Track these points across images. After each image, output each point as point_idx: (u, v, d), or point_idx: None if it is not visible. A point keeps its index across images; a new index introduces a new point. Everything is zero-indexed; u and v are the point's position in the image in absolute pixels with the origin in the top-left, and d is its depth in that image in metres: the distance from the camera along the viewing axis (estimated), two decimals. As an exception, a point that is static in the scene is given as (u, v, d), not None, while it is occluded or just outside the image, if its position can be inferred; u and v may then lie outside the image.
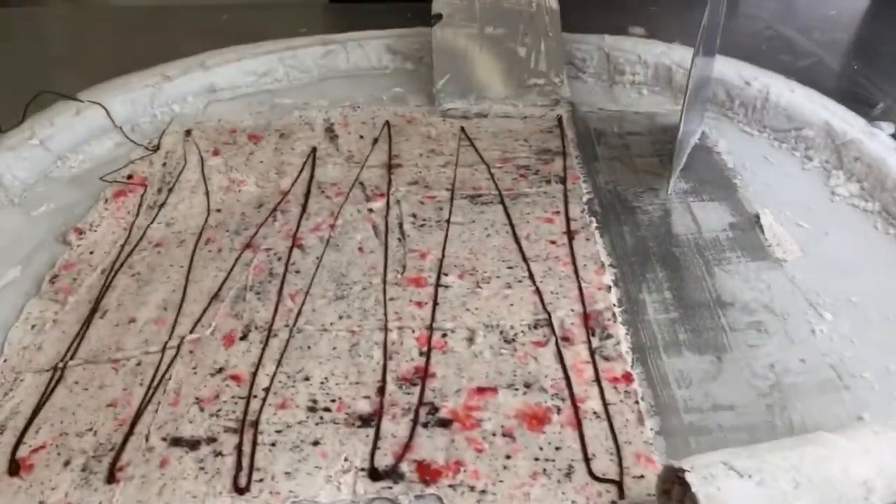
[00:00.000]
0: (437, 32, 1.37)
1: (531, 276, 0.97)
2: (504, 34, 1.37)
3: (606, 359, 0.85)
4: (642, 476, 0.73)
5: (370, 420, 0.79)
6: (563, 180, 1.14)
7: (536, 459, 0.75)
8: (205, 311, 0.94)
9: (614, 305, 0.92)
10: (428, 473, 0.74)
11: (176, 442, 0.78)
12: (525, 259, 0.99)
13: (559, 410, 0.79)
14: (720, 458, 0.64)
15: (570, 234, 1.03)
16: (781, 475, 0.63)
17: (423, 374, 0.84)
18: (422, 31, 1.47)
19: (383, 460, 0.75)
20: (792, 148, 1.20)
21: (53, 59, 1.66)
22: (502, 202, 1.10)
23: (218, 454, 0.77)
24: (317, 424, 0.79)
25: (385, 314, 0.92)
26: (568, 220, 1.06)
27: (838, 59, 1.53)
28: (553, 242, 1.02)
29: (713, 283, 0.96)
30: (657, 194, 1.12)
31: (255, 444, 0.77)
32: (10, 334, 0.92)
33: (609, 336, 0.88)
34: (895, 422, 0.72)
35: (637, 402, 0.80)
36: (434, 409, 0.80)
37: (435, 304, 0.93)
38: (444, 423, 0.79)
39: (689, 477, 0.62)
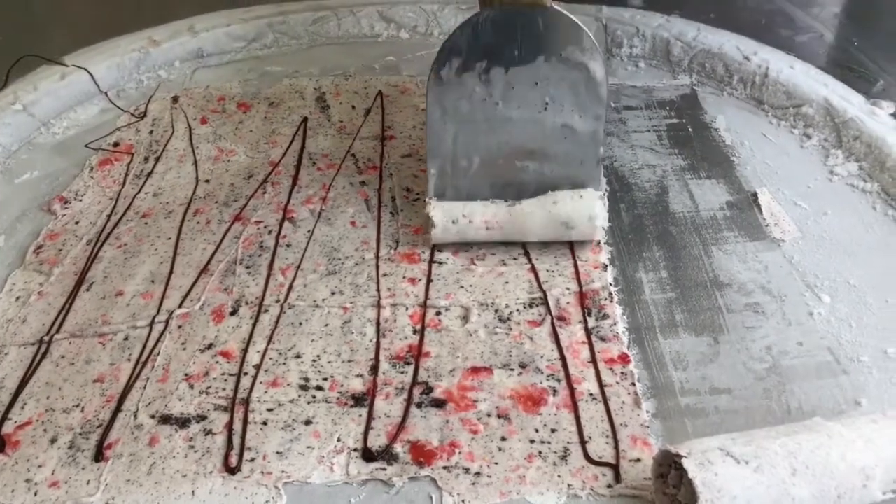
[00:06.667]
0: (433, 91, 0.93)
1: (527, 254, 0.95)
2: None
3: (603, 339, 0.84)
4: (639, 459, 0.72)
5: (363, 399, 0.78)
6: (560, 155, 1.12)
7: (532, 441, 0.74)
8: (193, 284, 0.92)
9: (610, 285, 0.91)
10: (422, 455, 0.73)
11: (165, 419, 0.77)
12: (520, 236, 0.98)
13: (555, 392, 0.78)
14: (717, 444, 0.64)
15: (567, 211, 1.01)
16: (779, 462, 0.62)
17: (417, 353, 0.83)
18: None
19: (377, 441, 0.74)
20: (791, 125, 1.18)
21: (37, 20, 1.61)
22: (497, 177, 1.08)
23: (208, 433, 0.75)
24: (309, 403, 0.78)
25: (378, 290, 0.91)
26: (564, 196, 1.04)
27: (838, 34, 1.50)
28: (549, 219, 1.00)
29: (710, 262, 0.94)
30: (654, 170, 1.10)
31: (245, 422, 0.76)
32: (-6, 306, 0.90)
33: (605, 316, 0.87)
34: (893, 411, 0.72)
35: (633, 384, 0.79)
36: (428, 389, 0.79)
37: (429, 280, 0.92)
38: (439, 404, 0.77)
39: (685, 463, 0.62)
